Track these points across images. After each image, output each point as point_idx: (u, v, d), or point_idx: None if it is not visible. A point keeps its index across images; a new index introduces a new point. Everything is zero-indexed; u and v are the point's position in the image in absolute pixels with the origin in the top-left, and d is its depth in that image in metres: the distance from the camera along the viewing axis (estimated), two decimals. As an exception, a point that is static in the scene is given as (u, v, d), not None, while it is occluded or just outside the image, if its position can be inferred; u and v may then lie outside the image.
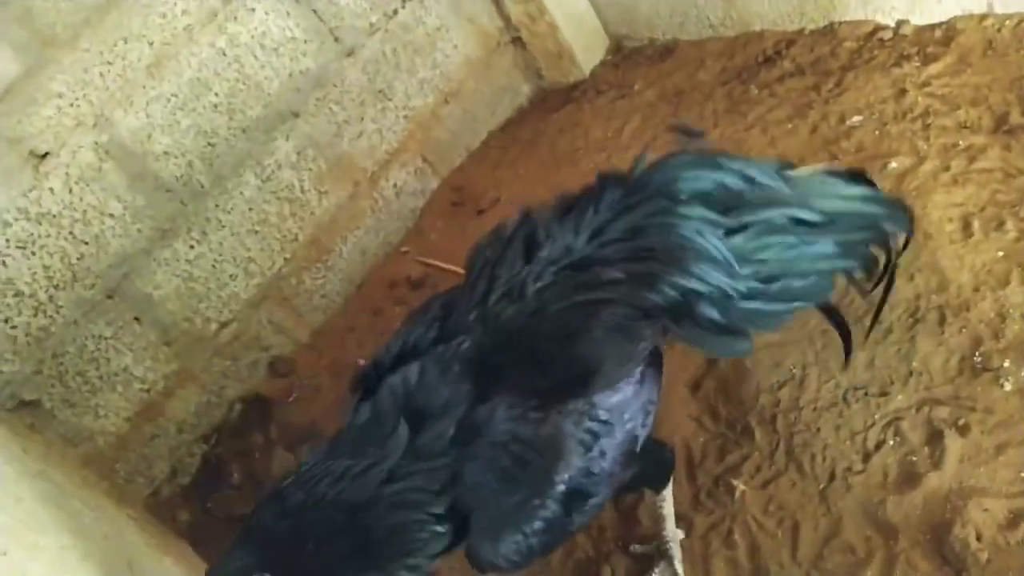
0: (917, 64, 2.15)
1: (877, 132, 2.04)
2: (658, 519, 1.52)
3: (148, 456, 2.34)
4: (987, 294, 1.60)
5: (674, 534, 1.54)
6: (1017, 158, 1.81)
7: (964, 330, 1.59)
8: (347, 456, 1.19)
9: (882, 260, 1.35)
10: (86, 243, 2.19)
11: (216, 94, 2.32)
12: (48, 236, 2.10)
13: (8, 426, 1.95)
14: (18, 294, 2.07)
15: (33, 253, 2.09)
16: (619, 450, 1.25)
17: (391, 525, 1.16)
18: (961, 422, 1.48)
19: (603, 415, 1.23)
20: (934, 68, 2.11)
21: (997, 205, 1.71)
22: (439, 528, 1.17)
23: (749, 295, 1.28)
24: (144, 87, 2.21)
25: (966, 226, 1.70)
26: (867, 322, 1.50)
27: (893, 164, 1.93)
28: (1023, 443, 1.43)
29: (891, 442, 1.51)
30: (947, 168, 1.85)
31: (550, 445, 1.19)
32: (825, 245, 1.30)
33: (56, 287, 2.16)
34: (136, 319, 2.30)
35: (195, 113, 2.29)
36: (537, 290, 1.26)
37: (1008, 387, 1.49)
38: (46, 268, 2.13)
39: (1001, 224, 1.68)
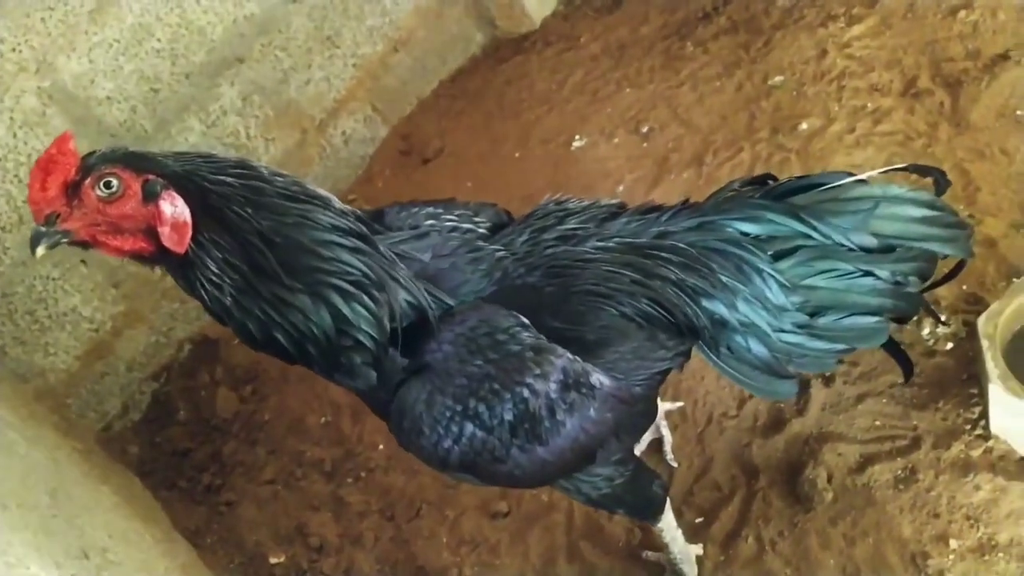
0: (842, 25, 2.20)
1: (795, 93, 2.11)
2: (663, 546, 1.48)
3: (99, 393, 2.44)
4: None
5: (686, 553, 1.49)
6: (919, 121, 1.88)
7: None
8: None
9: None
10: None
11: (158, 39, 2.36)
12: (-7, 180, 2.17)
13: (-45, 362, 2.05)
14: (-35, 236, 2.15)
15: (-22, 196, 2.16)
16: (583, 430, 1.21)
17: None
18: (827, 373, 1.58)
19: (591, 383, 1.20)
20: (857, 29, 2.16)
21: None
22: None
23: (795, 331, 1.24)
24: (86, 32, 2.25)
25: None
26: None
27: (804, 125, 1.99)
28: (882, 394, 1.54)
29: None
30: (852, 130, 1.92)
31: (538, 357, 1.15)
32: (881, 274, 1.22)
33: (3, 229, 2.23)
34: (83, 261, 2.37)
35: (137, 58, 2.33)
36: (594, 247, 1.25)
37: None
38: (-7, 211, 2.20)
39: (890, 186, 1.75)
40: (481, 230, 1.29)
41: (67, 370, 2.37)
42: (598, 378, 1.21)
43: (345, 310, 1.11)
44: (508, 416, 1.16)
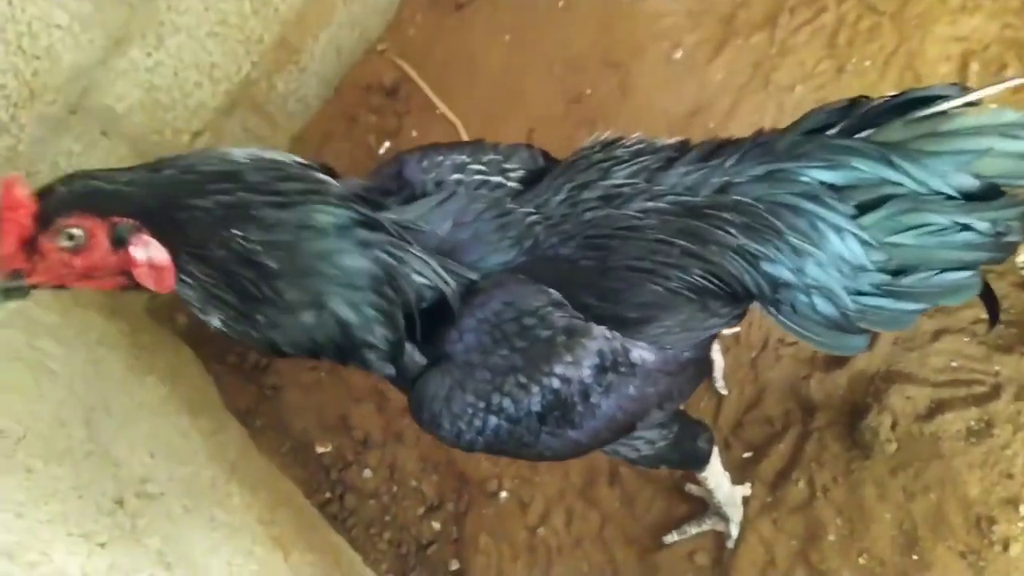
0: None
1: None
2: (708, 492, 1.42)
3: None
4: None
5: (732, 497, 1.42)
6: (1046, -22, 1.54)
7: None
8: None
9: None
10: (37, 57, 2.09)
11: None
12: (-5, 54, 2.01)
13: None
14: (-25, 118, 2.03)
15: (-17, 73, 2.01)
16: (621, 408, 1.11)
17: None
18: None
19: (631, 362, 1.09)
20: None
21: (1003, 43, 1.48)
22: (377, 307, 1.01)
23: (873, 291, 1.09)
24: None
25: (962, 67, 1.50)
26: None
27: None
28: (963, 331, 1.38)
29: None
30: (961, -11, 1.59)
31: (570, 341, 1.05)
32: (979, 227, 1.04)
33: (16, 105, 2.10)
34: (103, 133, 2.25)
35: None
36: (642, 209, 1.09)
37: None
38: (2, 87, 2.06)
39: (1002, 68, 1.47)
40: (512, 183, 1.13)
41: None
42: (639, 354, 1.09)
43: (353, 318, 0.99)
44: (536, 408, 1.06)
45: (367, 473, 1.98)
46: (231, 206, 0.94)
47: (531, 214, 1.09)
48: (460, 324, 1.04)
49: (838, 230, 1.05)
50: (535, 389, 1.05)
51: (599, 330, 1.06)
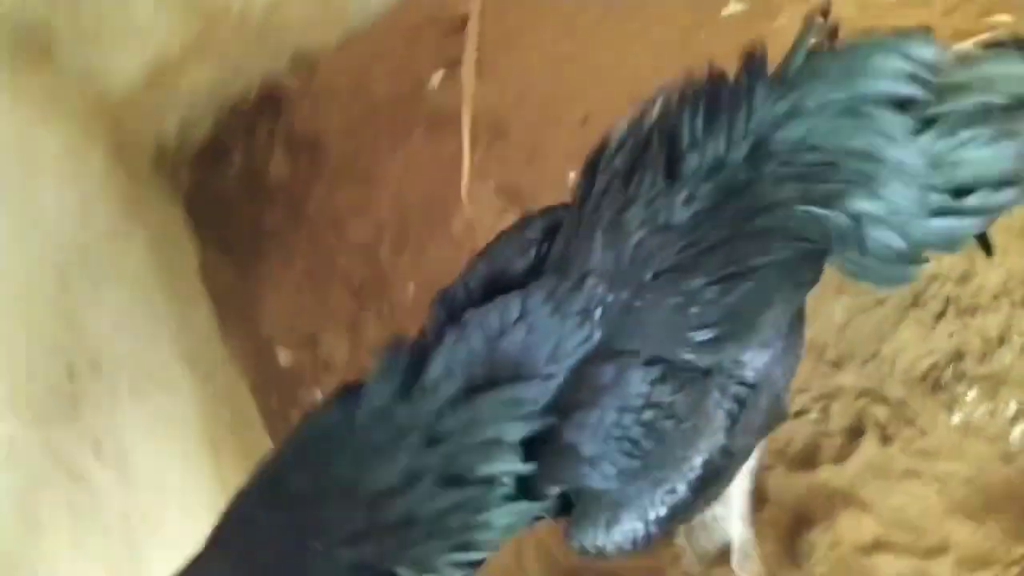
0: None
1: None
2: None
3: (158, 117, 2.34)
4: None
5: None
6: None
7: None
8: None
9: None
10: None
11: None
12: None
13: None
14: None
15: None
16: (762, 418, 1.07)
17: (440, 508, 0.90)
18: (889, 430, 1.41)
19: (751, 377, 1.02)
20: None
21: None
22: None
23: (939, 211, 1.02)
24: None
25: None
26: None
27: None
28: (935, 480, 1.37)
29: (814, 415, 1.46)
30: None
31: (694, 414, 0.98)
32: None
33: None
34: (155, -30, 2.15)
35: None
36: (691, 216, 0.99)
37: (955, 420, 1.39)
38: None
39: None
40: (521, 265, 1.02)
41: (128, 89, 2.25)
42: (752, 368, 1.02)
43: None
44: (688, 492, 1.00)
45: (319, 396, 1.98)
46: None
47: (583, 279, 0.98)
48: (581, 450, 0.94)
49: (900, 142, 0.98)
50: (683, 487, 1.00)
51: (714, 384, 0.99)
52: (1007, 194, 1.02)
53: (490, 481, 0.93)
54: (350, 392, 0.96)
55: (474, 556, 0.93)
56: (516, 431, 0.93)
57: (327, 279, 2.08)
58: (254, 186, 2.28)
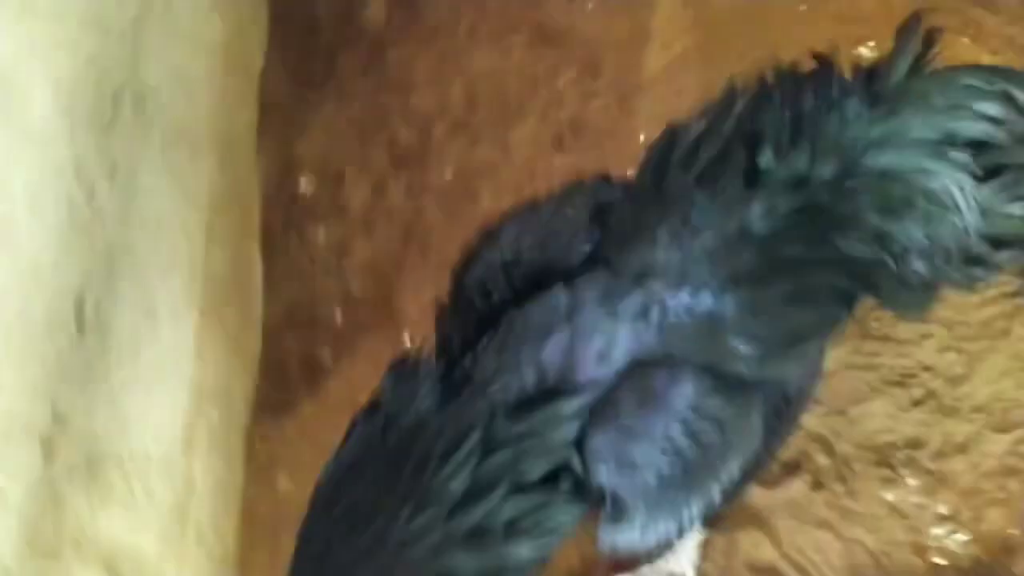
0: None
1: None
2: None
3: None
4: None
5: None
6: None
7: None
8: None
9: None
10: None
11: None
12: None
13: None
14: None
15: None
16: (791, 428, 1.13)
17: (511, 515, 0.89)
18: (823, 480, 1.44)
19: (791, 392, 1.05)
20: None
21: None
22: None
23: (974, 258, 1.02)
24: None
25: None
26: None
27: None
28: (843, 540, 1.41)
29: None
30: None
31: (739, 426, 0.98)
32: None
33: None
34: None
35: None
36: (767, 228, 0.95)
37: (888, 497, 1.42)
38: None
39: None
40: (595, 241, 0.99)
41: None
42: (793, 387, 1.05)
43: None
44: (726, 492, 1.01)
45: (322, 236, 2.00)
46: None
47: (642, 278, 0.95)
48: (626, 458, 0.94)
49: (966, 194, 0.96)
50: (717, 493, 1.00)
51: (760, 398, 1.00)
52: None
53: (553, 485, 0.93)
54: (398, 389, 0.95)
55: (542, 558, 0.94)
56: (569, 433, 0.93)
57: (373, 134, 2.08)
58: (343, 21, 2.27)
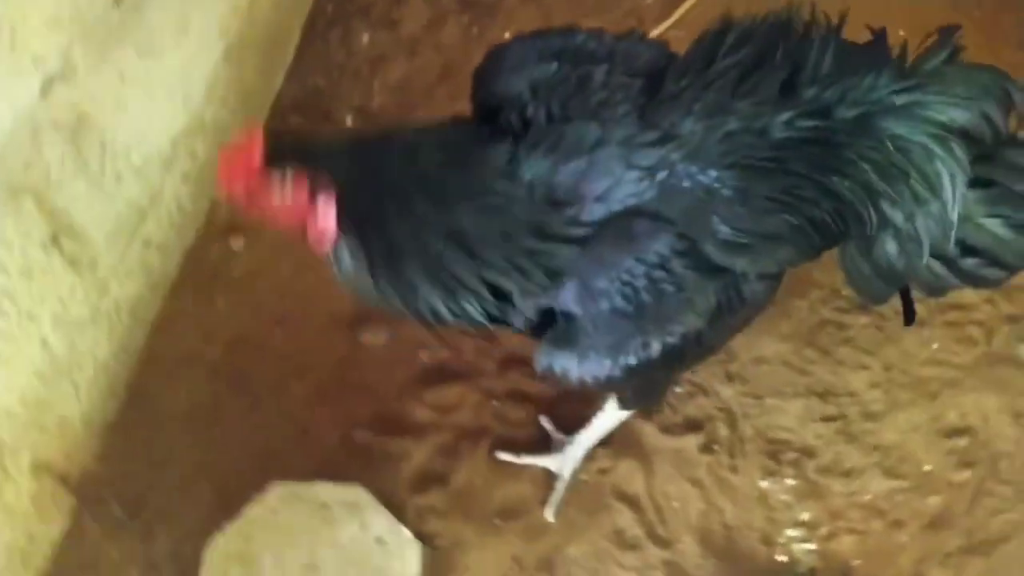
0: None
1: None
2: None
3: None
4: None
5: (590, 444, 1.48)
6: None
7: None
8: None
9: None
10: None
11: None
12: None
13: None
14: None
15: None
16: (727, 333, 1.23)
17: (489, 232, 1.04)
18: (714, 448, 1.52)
19: (746, 292, 1.13)
20: None
21: None
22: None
23: (944, 258, 1.11)
24: None
25: None
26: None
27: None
28: (705, 502, 1.50)
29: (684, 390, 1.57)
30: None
31: (695, 291, 1.07)
32: None
33: None
34: None
35: None
36: (784, 137, 1.06)
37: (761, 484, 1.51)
38: None
39: None
40: (635, 92, 1.08)
41: None
42: (751, 288, 1.13)
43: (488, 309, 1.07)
44: (657, 356, 1.11)
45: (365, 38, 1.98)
46: (410, 182, 1.04)
47: (665, 140, 1.05)
48: (591, 284, 1.06)
49: (955, 186, 1.05)
50: (657, 346, 1.09)
51: (718, 285, 1.09)
52: (995, 273, 1.13)
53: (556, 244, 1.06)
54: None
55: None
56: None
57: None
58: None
